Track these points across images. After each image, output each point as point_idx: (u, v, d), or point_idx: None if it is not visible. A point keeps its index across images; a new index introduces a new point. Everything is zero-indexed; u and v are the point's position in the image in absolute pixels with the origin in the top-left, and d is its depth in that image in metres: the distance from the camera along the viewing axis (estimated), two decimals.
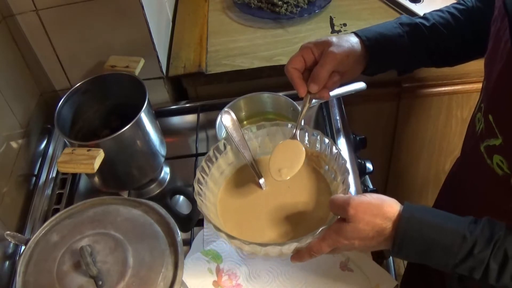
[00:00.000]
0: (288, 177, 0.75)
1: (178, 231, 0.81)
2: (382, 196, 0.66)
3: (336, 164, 0.77)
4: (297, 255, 0.71)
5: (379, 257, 0.83)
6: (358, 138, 1.09)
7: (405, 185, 1.58)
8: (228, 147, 0.81)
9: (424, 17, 0.84)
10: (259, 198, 0.80)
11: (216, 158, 0.80)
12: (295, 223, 0.76)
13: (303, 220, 0.76)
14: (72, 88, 0.95)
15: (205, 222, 0.88)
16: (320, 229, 0.67)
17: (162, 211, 0.84)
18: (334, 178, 0.78)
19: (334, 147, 0.77)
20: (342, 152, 0.76)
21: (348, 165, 0.76)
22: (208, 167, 0.79)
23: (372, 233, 0.64)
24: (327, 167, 0.80)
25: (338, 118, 1.08)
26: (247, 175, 0.82)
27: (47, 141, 1.14)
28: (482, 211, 0.62)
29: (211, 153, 0.79)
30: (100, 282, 0.73)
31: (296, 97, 1.06)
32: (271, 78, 1.18)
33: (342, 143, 1.03)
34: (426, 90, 1.29)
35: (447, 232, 0.61)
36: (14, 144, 1.01)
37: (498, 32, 0.66)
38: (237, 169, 0.84)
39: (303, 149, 0.77)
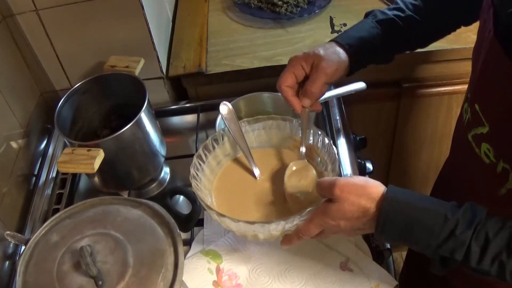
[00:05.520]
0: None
1: (178, 231, 0.81)
2: (367, 178, 0.68)
3: (327, 155, 0.80)
4: (286, 238, 0.73)
5: (379, 257, 0.83)
6: (358, 138, 1.09)
7: (405, 185, 1.58)
8: (226, 139, 0.85)
9: (398, 7, 0.87)
10: (252, 186, 0.83)
11: (214, 148, 0.84)
12: (284, 209, 0.78)
13: (293, 207, 0.78)
14: (72, 88, 0.95)
15: (205, 222, 0.88)
16: (308, 209, 0.69)
17: (162, 211, 0.84)
18: (325, 168, 0.81)
19: (326, 139, 0.80)
20: (333, 145, 0.79)
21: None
22: (205, 154, 0.82)
23: (357, 213, 0.65)
24: (319, 158, 0.83)
25: (338, 118, 1.08)
26: (243, 165, 0.86)
27: (47, 141, 1.14)
28: (474, 202, 0.63)
29: (208, 142, 0.82)
30: (100, 282, 0.73)
31: None
32: (271, 78, 1.17)
33: (342, 143, 1.03)
34: (426, 90, 1.29)
35: (429, 213, 0.62)
36: (14, 144, 1.01)
37: (484, 23, 0.69)
38: (233, 159, 0.88)
39: (313, 170, 0.81)
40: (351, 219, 0.66)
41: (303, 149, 0.82)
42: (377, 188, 0.65)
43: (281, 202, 0.80)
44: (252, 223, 0.70)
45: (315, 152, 0.83)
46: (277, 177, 0.83)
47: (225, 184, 0.84)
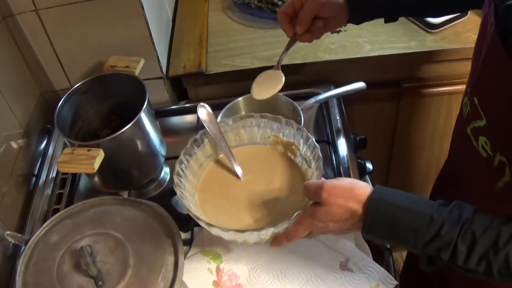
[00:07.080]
0: (266, 97, 0.84)
1: (178, 231, 0.81)
2: (354, 180, 0.69)
3: (309, 151, 0.80)
4: (276, 240, 0.74)
5: (379, 257, 0.83)
6: (358, 138, 1.09)
7: (405, 185, 1.57)
8: (206, 140, 0.85)
9: None
10: (236, 187, 0.83)
11: (195, 151, 0.83)
12: (271, 209, 0.79)
13: (279, 206, 0.79)
14: (72, 88, 0.95)
15: None
16: (296, 213, 0.69)
17: (162, 211, 0.84)
18: (309, 165, 0.81)
19: (307, 135, 0.80)
20: (314, 139, 0.80)
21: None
22: (187, 160, 0.81)
23: (345, 216, 0.66)
24: (301, 155, 0.83)
25: (338, 118, 1.08)
26: (225, 166, 0.86)
27: (47, 141, 1.14)
28: (473, 197, 0.63)
29: (189, 146, 0.82)
30: (100, 282, 0.73)
31: (296, 97, 1.06)
32: None
33: (342, 143, 1.03)
34: (426, 90, 1.29)
35: (415, 214, 0.62)
36: (14, 144, 1.01)
37: (486, 17, 0.69)
38: (215, 160, 0.87)
39: (283, 77, 0.85)
40: (339, 221, 0.67)
41: (279, 65, 0.87)
42: (363, 190, 0.66)
43: (267, 201, 0.80)
44: (242, 231, 0.69)
45: (297, 148, 0.83)
46: (261, 175, 0.83)
47: (209, 188, 0.83)
